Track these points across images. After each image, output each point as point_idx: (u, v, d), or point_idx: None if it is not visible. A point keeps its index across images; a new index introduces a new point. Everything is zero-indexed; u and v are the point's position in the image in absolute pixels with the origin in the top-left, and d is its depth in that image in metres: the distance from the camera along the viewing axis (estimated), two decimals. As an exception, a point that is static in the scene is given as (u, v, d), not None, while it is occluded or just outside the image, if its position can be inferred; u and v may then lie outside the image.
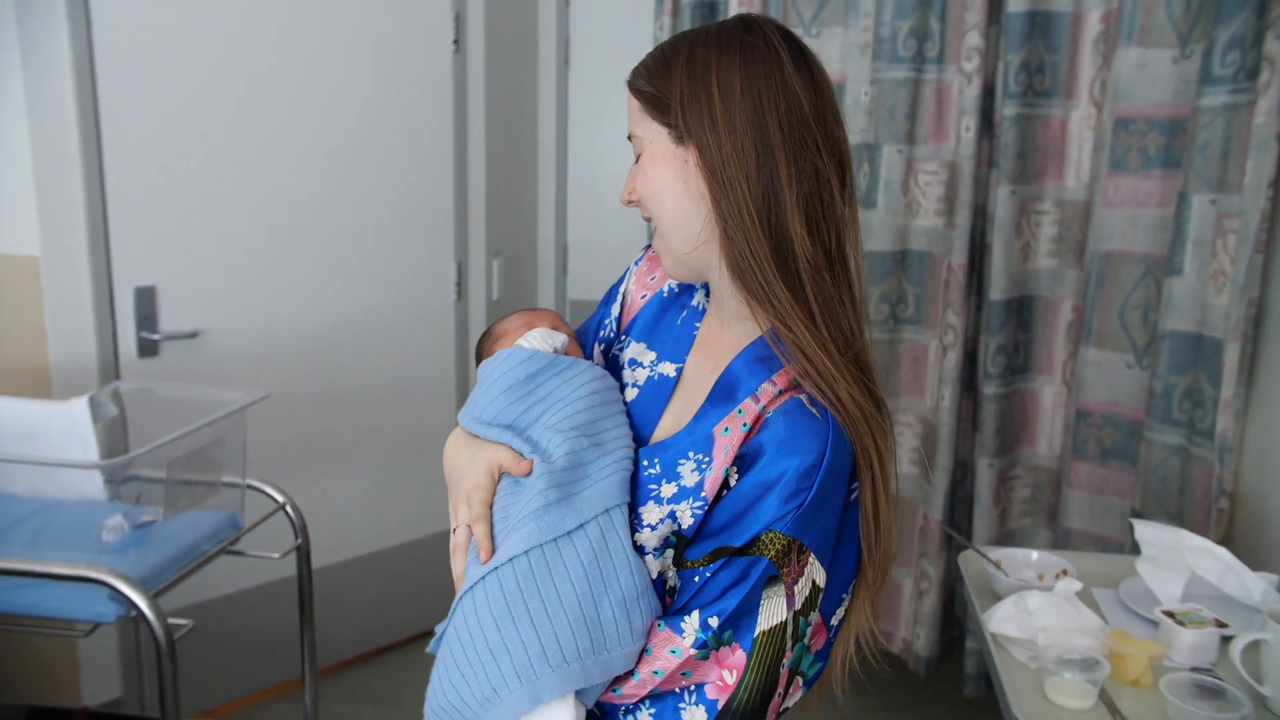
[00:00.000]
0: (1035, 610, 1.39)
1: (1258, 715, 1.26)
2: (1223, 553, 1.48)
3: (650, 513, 0.93)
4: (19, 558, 1.56)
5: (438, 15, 2.69)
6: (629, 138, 0.99)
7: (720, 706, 0.89)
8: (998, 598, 1.54)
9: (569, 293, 3.25)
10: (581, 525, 0.90)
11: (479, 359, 1.14)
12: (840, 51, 2.46)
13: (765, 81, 0.91)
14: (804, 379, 0.91)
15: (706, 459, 0.92)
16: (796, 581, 0.89)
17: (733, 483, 0.91)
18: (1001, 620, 1.42)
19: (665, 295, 1.11)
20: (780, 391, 0.93)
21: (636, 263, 1.17)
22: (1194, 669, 1.36)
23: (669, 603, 0.93)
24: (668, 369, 1.04)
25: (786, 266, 0.91)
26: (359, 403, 2.66)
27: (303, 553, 1.96)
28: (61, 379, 2.15)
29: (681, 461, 0.94)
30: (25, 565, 1.52)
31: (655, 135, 0.96)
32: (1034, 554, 1.65)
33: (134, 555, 1.63)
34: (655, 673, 0.89)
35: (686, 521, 0.92)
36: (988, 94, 2.26)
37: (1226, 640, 1.40)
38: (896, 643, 2.59)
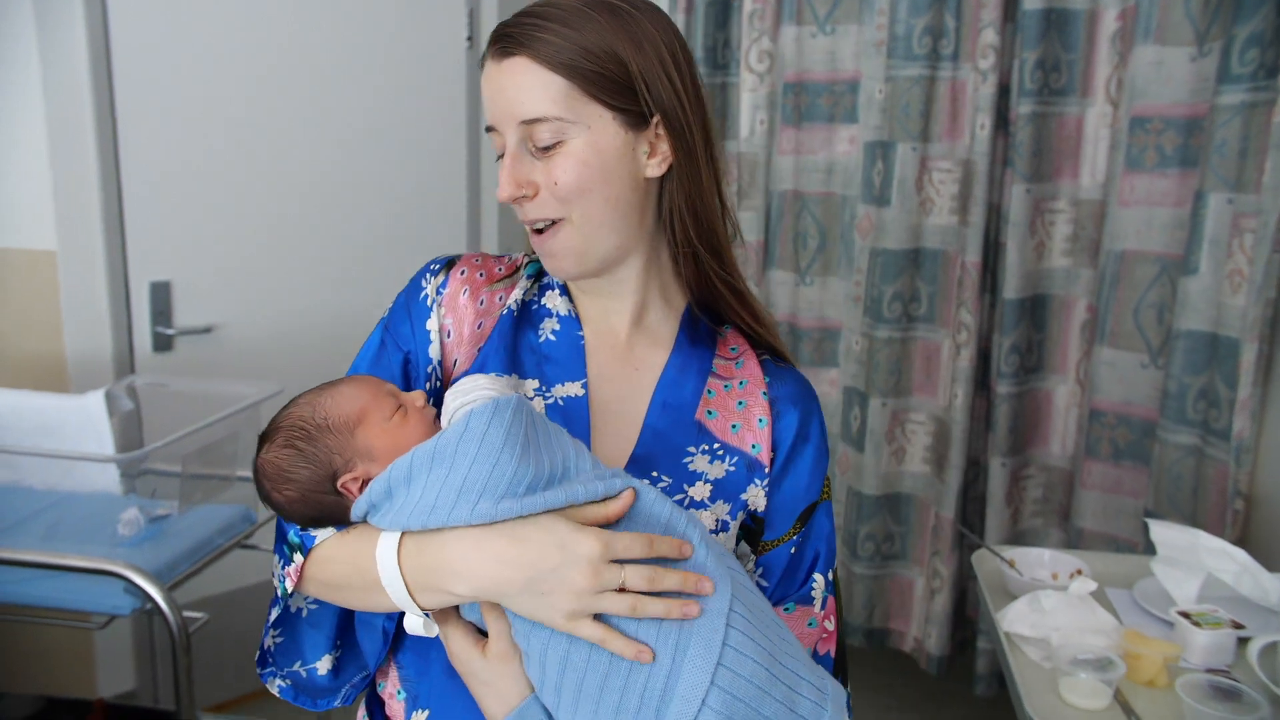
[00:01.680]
0: (1049, 610, 1.38)
1: (1275, 717, 1.25)
2: (1239, 554, 1.47)
3: (701, 520, 0.86)
4: (36, 550, 1.57)
5: (451, 11, 2.69)
6: (521, 124, 0.84)
7: (834, 654, 0.92)
8: (1011, 597, 1.54)
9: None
10: (724, 559, 0.83)
11: (289, 473, 0.83)
12: (855, 49, 2.45)
13: (679, 43, 0.89)
14: (761, 340, 0.98)
15: (716, 445, 0.90)
16: None
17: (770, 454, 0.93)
18: (1015, 619, 1.42)
19: (512, 316, 0.95)
20: (742, 359, 0.96)
21: (440, 291, 0.96)
22: (1210, 670, 1.35)
23: None
24: (571, 389, 0.91)
25: (725, 229, 0.94)
26: (372, 398, 2.67)
27: (316, 547, 1.97)
28: (78, 373, 2.16)
29: (688, 460, 0.89)
30: (42, 557, 1.54)
31: (594, 118, 0.84)
32: (1047, 553, 1.65)
33: (149, 548, 1.64)
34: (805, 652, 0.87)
35: (761, 503, 0.90)
36: (1003, 92, 2.25)
37: (1243, 642, 1.39)
38: (908, 641, 2.58)
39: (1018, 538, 2.39)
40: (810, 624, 0.90)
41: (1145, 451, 2.15)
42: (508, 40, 0.84)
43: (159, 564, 1.60)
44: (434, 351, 0.94)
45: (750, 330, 0.97)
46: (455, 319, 0.94)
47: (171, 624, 1.52)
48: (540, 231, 0.88)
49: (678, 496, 0.87)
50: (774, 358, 0.97)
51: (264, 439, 0.86)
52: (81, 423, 1.79)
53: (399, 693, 0.91)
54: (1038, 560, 1.64)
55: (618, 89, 0.84)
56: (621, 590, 0.75)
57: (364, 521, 0.82)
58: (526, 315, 0.95)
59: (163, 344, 2.28)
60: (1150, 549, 1.58)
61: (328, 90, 2.47)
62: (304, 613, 0.91)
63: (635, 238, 0.90)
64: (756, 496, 0.90)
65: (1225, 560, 1.46)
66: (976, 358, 2.35)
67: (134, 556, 1.58)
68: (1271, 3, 1.78)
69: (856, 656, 2.90)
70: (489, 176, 2.87)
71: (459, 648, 0.83)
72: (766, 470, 0.90)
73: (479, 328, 0.94)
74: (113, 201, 2.16)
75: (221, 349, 2.37)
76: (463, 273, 0.97)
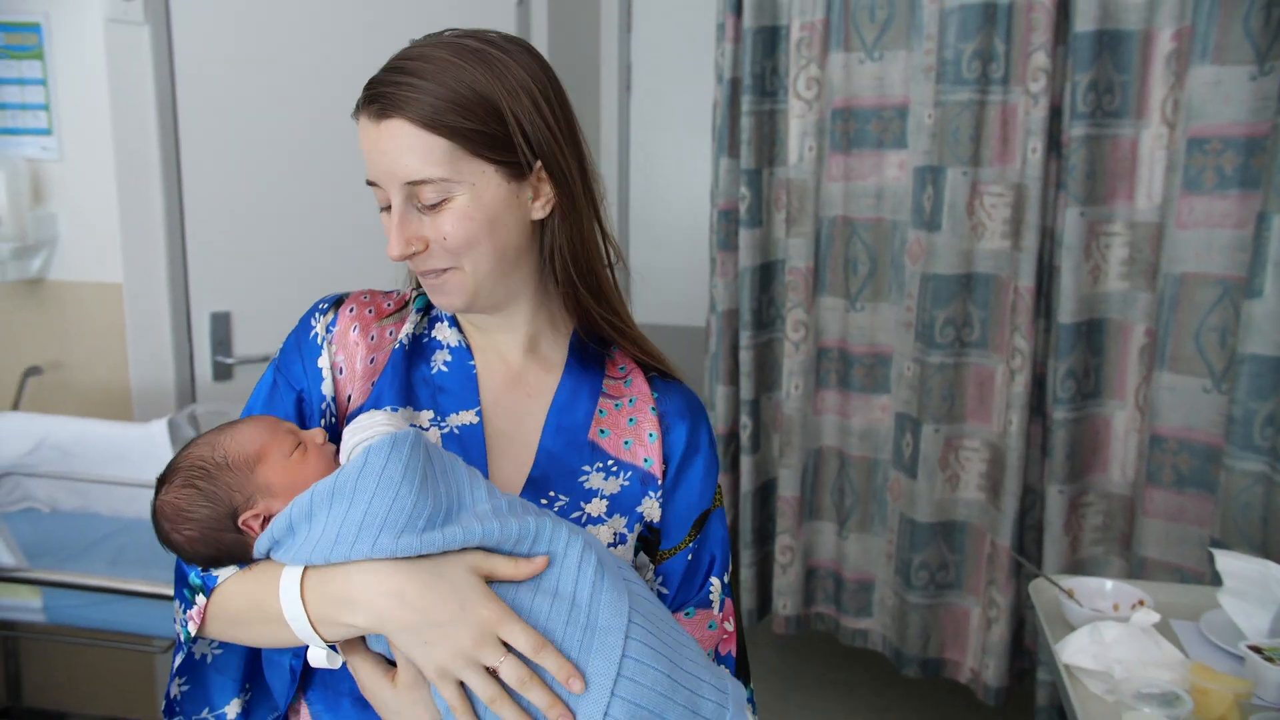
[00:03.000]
0: (1111, 641, 1.35)
1: (1350, 756, 1.21)
2: (1312, 585, 1.42)
3: (598, 535, 0.90)
4: (103, 575, 1.61)
5: (503, 45, 2.74)
6: (405, 185, 0.85)
7: (735, 654, 0.95)
8: (1070, 628, 1.51)
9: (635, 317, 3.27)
10: (620, 572, 0.83)
11: (188, 512, 0.84)
12: (903, 74, 2.45)
13: (553, 84, 0.91)
14: (646, 362, 1.02)
15: (610, 462, 0.94)
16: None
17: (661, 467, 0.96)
18: (1076, 651, 1.38)
19: (405, 348, 0.97)
20: (630, 378, 1.00)
21: (330, 328, 0.98)
22: (1282, 706, 1.31)
23: None
24: (466, 417, 0.93)
25: (605, 260, 0.98)
26: (424, 426, 2.70)
27: (370, 574, 1.99)
28: (141, 402, 2.23)
29: (583, 479, 0.92)
30: (108, 582, 1.58)
31: (478, 175, 0.85)
32: (1108, 583, 1.61)
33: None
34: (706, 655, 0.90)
35: (656, 514, 0.94)
36: (1055, 115, 2.23)
37: (1316, 677, 1.34)
38: (964, 672, 2.54)
39: (1077, 566, 2.34)
40: (710, 626, 0.93)
41: (1210, 478, 2.09)
42: (383, 101, 0.84)
43: (219, 589, 1.63)
44: (326, 388, 0.95)
45: (636, 358, 1.02)
46: (346, 355, 0.96)
47: (231, 649, 1.55)
48: (432, 275, 0.90)
49: (574, 514, 0.90)
50: (660, 374, 1.02)
51: (162, 481, 0.86)
52: (145, 450, 1.84)
53: None
54: (1098, 590, 1.60)
55: (497, 143, 0.85)
56: (493, 671, 0.76)
57: (266, 558, 0.82)
58: (418, 348, 0.97)
59: (222, 373, 2.33)
60: (1216, 579, 1.54)
61: (382, 124, 2.53)
62: (209, 659, 0.91)
63: (524, 277, 0.94)
64: (651, 508, 0.93)
65: (1297, 592, 1.42)
66: (1031, 383, 2.31)
67: (195, 582, 1.61)
68: (1333, 20, 1.75)
69: (912, 687, 2.86)
70: (539, 206, 2.91)
71: (367, 678, 0.83)
72: (659, 482, 0.94)
73: (371, 362, 0.95)
74: (176, 236, 2.23)
75: (279, 378, 2.42)
76: (351, 310, 0.99)
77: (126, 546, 1.78)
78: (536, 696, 0.76)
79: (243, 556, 0.84)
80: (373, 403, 0.93)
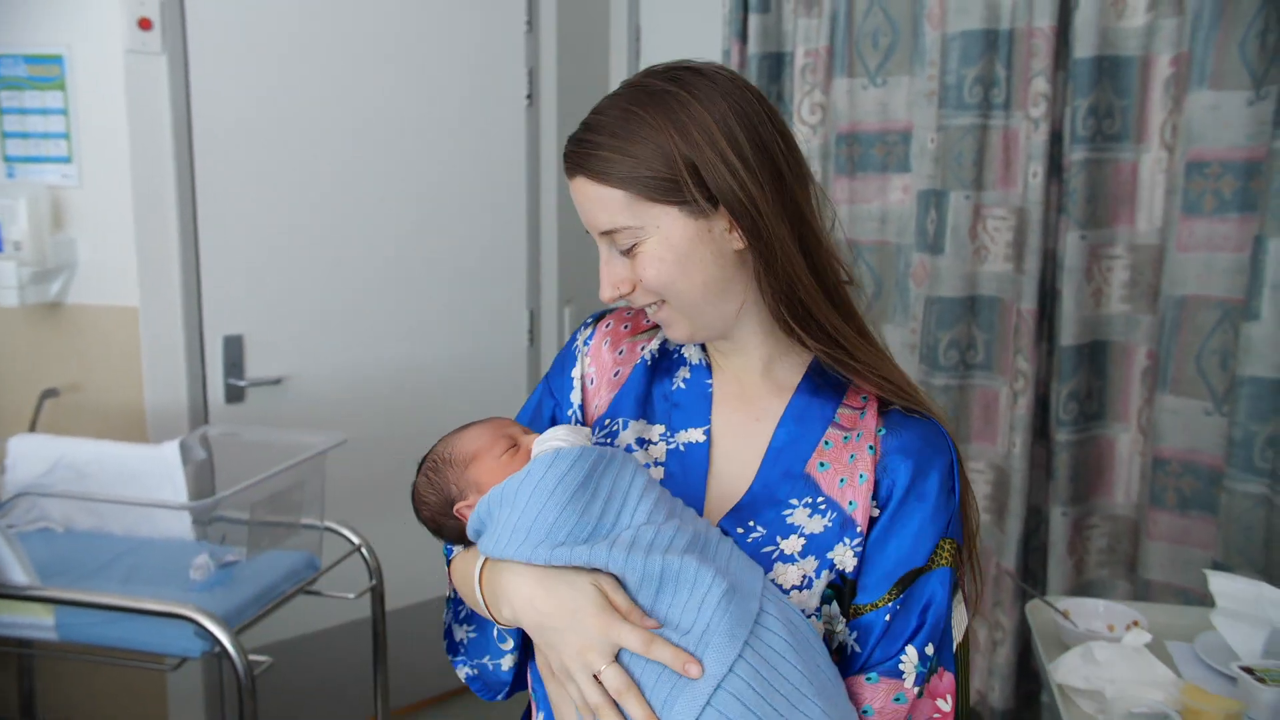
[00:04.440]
0: (1103, 661, 1.36)
1: (1342, 778, 1.21)
2: (1306, 607, 1.43)
3: (786, 574, 0.86)
4: (115, 593, 1.64)
5: (512, 72, 2.79)
6: (603, 234, 0.89)
7: None
8: (1066, 648, 1.51)
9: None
10: (761, 606, 0.81)
11: (424, 496, 0.99)
12: (906, 99, 2.48)
13: (756, 117, 0.87)
14: (886, 394, 0.92)
15: (820, 499, 0.88)
16: (963, 582, 0.89)
17: (875, 514, 0.88)
18: (1069, 671, 1.39)
19: (648, 364, 1.01)
20: (863, 409, 0.92)
21: (587, 342, 1.06)
22: (1275, 728, 1.31)
23: (836, 660, 0.86)
24: (694, 435, 0.95)
25: (833, 296, 0.92)
26: (434, 447, 2.73)
27: (377, 594, 2.02)
28: (155, 423, 2.27)
29: (788, 513, 0.88)
30: (120, 600, 1.61)
31: (660, 218, 0.86)
32: (1103, 604, 1.62)
33: (219, 593, 1.71)
34: None
35: (850, 564, 0.86)
36: (1055, 139, 2.26)
37: (1310, 699, 1.35)
38: (971, 694, 2.53)
39: (1083, 589, 2.34)
40: (898, 699, 0.84)
41: (1213, 501, 2.10)
42: (569, 161, 0.89)
43: (227, 608, 1.66)
44: (575, 397, 1.03)
45: (877, 376, 0.93)
46: (598, 367, 1.03)
47: (238, 667, 1.58)
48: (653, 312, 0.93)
49: (767, 548, 0.87)
50: (905, 408, 0.92)
51: (418, 468, 1.01)
52: (158, 471, 1.87)
53: (534, 693, 1.00)
54: (1093, 611, 1.61)
55: (672, 188, 0.85)
56: (597, 678, 0.80)
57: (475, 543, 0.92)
58: (665, 363, 1.01)
59: (235, 395, 2.37)
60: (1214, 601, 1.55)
61: (393, 151, 2.58)
62: (494, 630, 0.99)
63: (741, 305, 0.91)
64: (844, 556, 0.86)
65: (1291, 614, 1.42)
66: (1035, 405, 2.32)
67: (204, 601, 1.65)
68: (1325, 46, 1.77)
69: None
70: (548, 231, 2.94)
71: (539, 665, 0.89)
72: (859, 529, 0.87)
73: (615, 375, 1.01)
74: (190, 260, 2.28)
75: (291, 400, 2.46)
76: (608, 325, 1.06)
77: (139, 565, 1.81)
78: (632, 706, 0.79)
79: (464, 538, 0.95)
80: (611, 413, 0.99)
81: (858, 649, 0.87)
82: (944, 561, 0.87)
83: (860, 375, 0.92)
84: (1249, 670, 1.38)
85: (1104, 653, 1.37)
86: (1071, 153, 2.20)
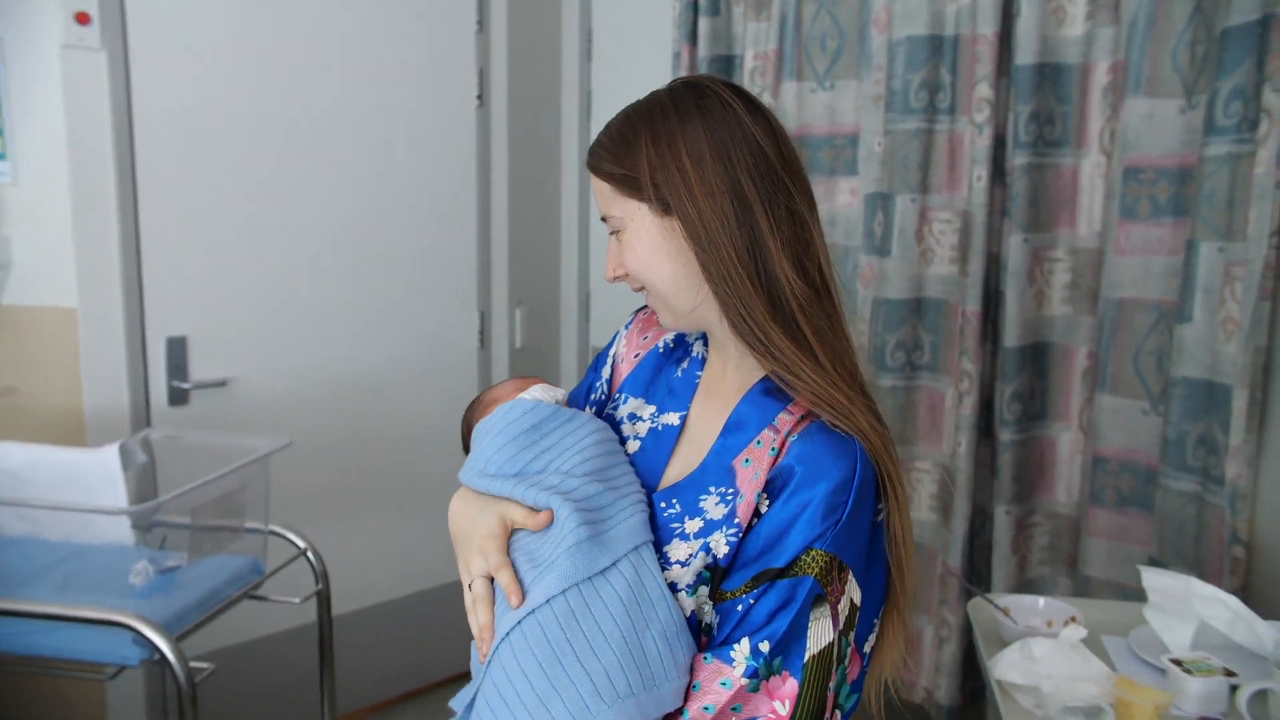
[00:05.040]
0: (1040, 657, 1.39)
1: (1266, 766, 1.25)
2: (1233, 601, 1.47)
3: (677, 550, 0.94)
4: (51, 601, 1.61)
5: (462, 72, 2.78)
6: (603, 219, 1.02)
7: None
8: (1006, 645, 1.54)
9: (591, 340, 3.30)
10: (614, 563, 0.90)
11: (468, 428, 1.16)
12: (854, 103, 2.51)
13: (730, 140, 0.95)
14: (821, 413, 0.94)
15: (730, 490, 0.95)
16: (839, 600, 0.90)
17: (764, 510, 0.92)
18: (1007, 667, 1.42)
19: (661, 351, 1.14)
20: (801, 417, 0.96)
21: (626, 327, 1.21)
22: (1203, 718, 1.35)
23: (704, 641, 0.92)
24: (671, 418, 1.06)
25: (782, 313, 0.95)
26: (381, 450, 2.71)
27: (323, 598, 2.00)
28: (95, 427, 2.22)
29: (703, 497, 0.96)
30: (55, 609, 1.57)
31: (634, 212, 0.98)
32: (1042, 600, 1.65)
33: (159, 599, 1.68)
34: (706, 709, 0.87)
35: (722, 550, 0.92)
36: (999, 144, 2.30)
37: (1236, 690, 1.39)
38: (918, 692, 2.57)
39: (1026, 586, 2.38)
40: (724, 684, 0.88)
41: (1149, 498, 2.15)
42: (589, 157, 1.03)
43: (168, 615, 1.64)
44: (606, 371, 1.19)
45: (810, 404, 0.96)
46: (626, 349, 1.18)
47: (179, 674, 1.55)
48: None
49: (675, 525, 0.96)
50: (835, 423, 0.93)
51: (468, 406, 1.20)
52: (97, 476, 1.83)
53: None
54: (1032, 608, 1.64)
55: (639, 187, 0.97)
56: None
57: None
58: (677, 352, 1.13)
59: (178, 398, 2.33)
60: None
61: (342, 150, 2.55)
62: None
63: (708, 303, 0.98)
64: (719, 543, 0.93)
65: (1218, 607, 1.46)
66: (979, 406, 2.36)
67: (144, 607, 1.62)
68: (1252, 57, 1.82)
69: (865, 705, 2.87)
70: (498, 232, 2.93)
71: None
72: (738, 521, 0.92)
73: (635, 357, 1.16)
74: (131, 260, 2.24)
75: (236, 402, 2.42)
76: (645, 313, 1.20)
77: (76, 572, 1.77)
78: (479, 612, 0.94)
79: None
80: (622, 389, 1.14)
81: (716, 632, 0.92)
82: (808, 571, 0.88)
83: (800, 394, 0.95)
84: (1178, 662, 1.42)
85: (1041, 648, 1.40)
86: (1014, 157, 2.24)
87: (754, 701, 0.88)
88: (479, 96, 2.82)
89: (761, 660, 0.88)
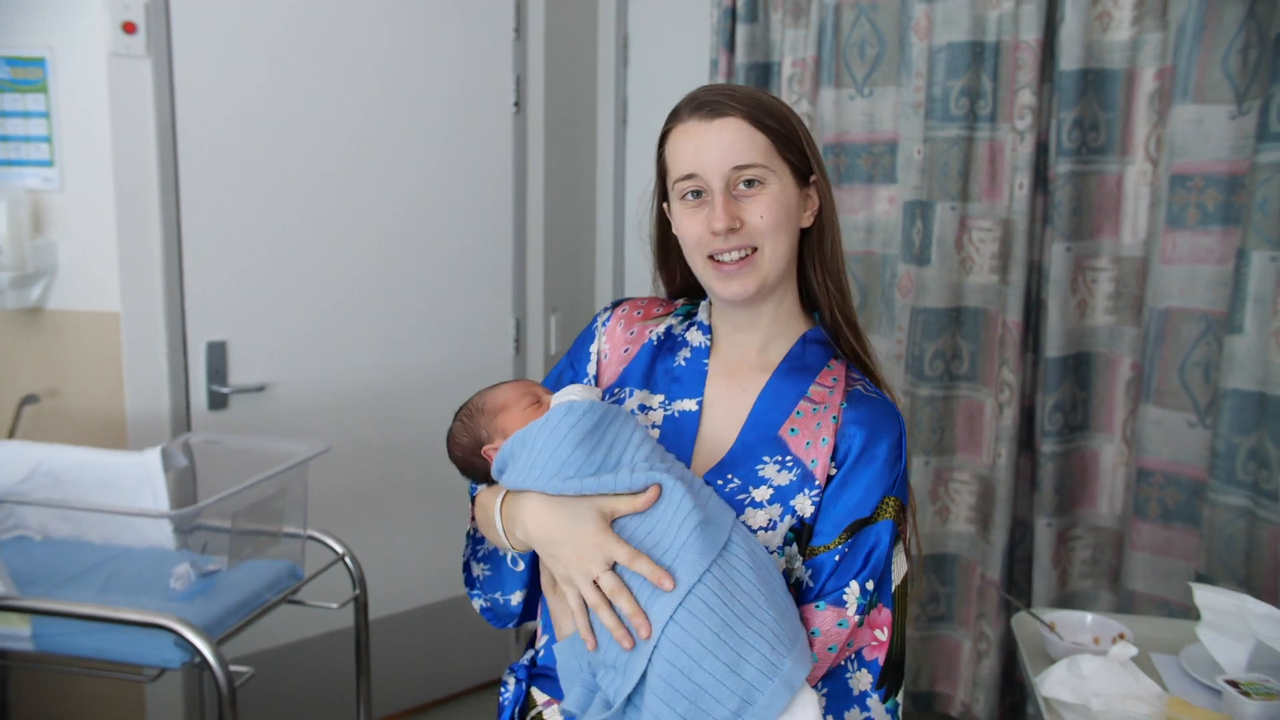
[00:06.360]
0: (1089, 675, 1.36)
1: (1326, 791, 1.22)
2: (1289, 620, 1.43)
3: (754, 518, 1.03)
4: (93, 603, 1.62)
5: (499, 79, 2.78)
6: (733, 170, 1.04)
7: (882, 662, 1.03)
8: (1051, 661, 1.51)
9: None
10: (730, 537, 0.96)
11: (470, 436, 1.13)
12: (893, 110, 2.49)
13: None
14: (858, 367, 1.13)
15: (788, 457, 1.05)
16: (907, 534, 1.07)
17: (832, 472, 1.04)
18: (1055, 685, 1.39)
19: (655, 344, 1.18)
20: (834, 389, 1.09)
21: (604, 324, 1.23)
22: (1259, 741, 1.31)
23: (794, 594, 1.02)
24: (687, 405, 1.12)
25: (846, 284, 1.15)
26: (418, 456, 2.72)
27: (360, 603, 2.00)
28: (136, 431, 2.24)
29: (760, 467, 1.05)
30: (98, 610, 1.58)
31: (782, 171, 1.06)
32: (1089, 617, 1.62)
33: (199, 603, 1.69)
34: (830, 649, 1.01)
35: (808, 510, 1.03)
36: (1041, 151, 2.27)
37: (1294, 712, 1.35)
38: (956, 705, 2.53)
39: (1066, 600, 2.35)
40: (840, 624, 1.00)
41: (1195, 513, 2.11)
42: (717, 105, 1.06)
43: (208, 618, 1.64)
44: (590, 368, 1.21)
45: (855, 359, 1.14)
46: (611, 345, 1.20)
47: (219, 677, 1.56)
48: (730, 261, 1.07)
49: (740, 496, 1.04)
50: (866, 388, 1.11)
51: (456, 414, 1.17)
52: (139, 479, 1.85)
53: (541, 621, 1.19)
54: (1079, 624, 1.61)
55: (794, 149, 1.07)
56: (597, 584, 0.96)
57: (498, 481, 1.08)
58: (669, 344, 1.18)
59: (218, 402, 2.35)
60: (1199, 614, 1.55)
61: (380, 158, 2.56)
62: (508, 558, 1.16)
63: (789, 276, 1.11)
64: (804, 505, 1.03)
65: (1275, 627, 1.43)
66: (1020, 416, 2.33)
67: (185, 610, 1.62)
68: (1308, 63, 1.78)
69: (904, 720, 2.84)
70: (534, 239, 2.94)
71: (543, 585, 1.08)
72: (818, 483, 1.04)
73: (625, 352, 1.19)
74: (173, 265, 2.26)
75: (274, 407, 2.44)
76: (624, 310, 1.23)
77: (117, 574, 1.78)
78: (623, 603, 0.94)
79: (489, 477, 1.11)
80: (619, 383, 1.17)
81: (811, 584, 1.03)
82: (887, 515, 1.04)
83: (850, 349, 1.13)
84: (1234, 684, 1.38)
85: (1090, 666, 1.38)
86: (1057, 165, 2.21)
87: (860, 634, 1.02)
88: (516, 103, 2.82)
89: (868, 598, 1.01)
